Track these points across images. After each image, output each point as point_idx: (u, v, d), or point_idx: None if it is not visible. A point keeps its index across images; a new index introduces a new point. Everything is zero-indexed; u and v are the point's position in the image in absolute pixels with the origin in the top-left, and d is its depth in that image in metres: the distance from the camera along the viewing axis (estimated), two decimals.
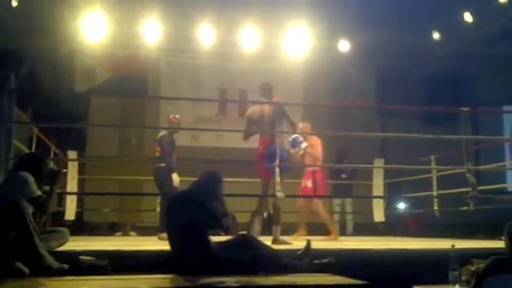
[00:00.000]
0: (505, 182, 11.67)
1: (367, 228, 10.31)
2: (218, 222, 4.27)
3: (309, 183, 7.54)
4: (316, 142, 7.55)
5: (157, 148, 7.82)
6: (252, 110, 6.66)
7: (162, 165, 7.62)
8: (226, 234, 4.39)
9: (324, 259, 4.43)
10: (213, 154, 10.98)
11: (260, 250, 4.30)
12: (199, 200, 4.28)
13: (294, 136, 6.79)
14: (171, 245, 4.27)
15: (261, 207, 6.64)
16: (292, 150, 6.86)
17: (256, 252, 4.24)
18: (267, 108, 6.49)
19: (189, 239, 4.14)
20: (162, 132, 7.91)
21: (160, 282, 3.76)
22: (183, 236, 4.16)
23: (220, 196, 4.46)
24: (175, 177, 7.64)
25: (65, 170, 8.03)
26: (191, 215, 4.19)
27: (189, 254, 4.08)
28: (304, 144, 6.91)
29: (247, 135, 6.71)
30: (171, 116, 8.11)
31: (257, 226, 6.50)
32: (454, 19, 10.63)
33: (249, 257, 4.14)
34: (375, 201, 9.74)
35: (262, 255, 4.22)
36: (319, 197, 7.72)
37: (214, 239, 4.36)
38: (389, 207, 10.88)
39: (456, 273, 4.11)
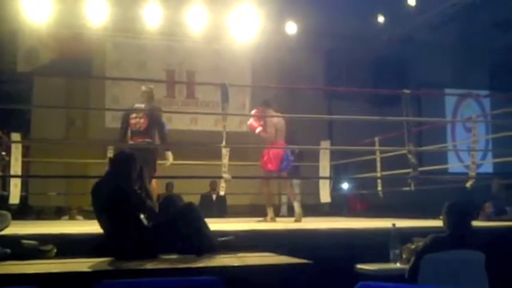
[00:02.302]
0: (446, 163, 12.00)
1: (314, 209, 10.47)
2: (142, 204, 4.24)
3: None
4: None
5: (142, 120, 6.63)
6: (276, 120, 7.55)
7: (148, 140, 6.62)
8: (149, 217, 4.30)
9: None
10: None
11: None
12: (120, 183, 4.20)
13: None
14: (103, 229, 4.22)
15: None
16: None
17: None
18: (282, 119, 7.63)
19: (119, 222, 4.11)
20: (150, 102, 6.83)
21: (102, 265, 3.74)
22: (113, 220, 4.13)
23: (142, 178, 4.41)
24: (170, 155, 6.86)
25: (4, 153, 7.79)
26: (115, 199, 4.12)
27: (122, 237, 4.07)
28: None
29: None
30: (146, 87, 7.00)
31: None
32: (397, 3, 10.80)
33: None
34: (321, 182, 9.87)
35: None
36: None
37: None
38: (335, 188, 11.06)
39: (397, 251, 4.22)
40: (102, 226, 4.21)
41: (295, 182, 10.42)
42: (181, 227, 4.18)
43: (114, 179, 4.26)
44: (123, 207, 4.09)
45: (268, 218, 7.42)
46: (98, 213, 4.22)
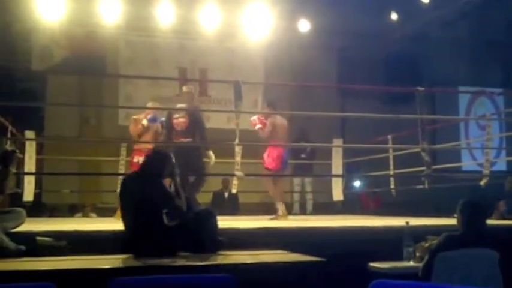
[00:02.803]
0: (460, 161, 11.92)
1: (326, 207, 10.45)
2: (170, 202, 4.25)
3: None
4: None
5: (182, 120, 6.94)
6: (277, 121, 7.54)
7: (188, 140, 6.91)
8: (175, 216, 4.29)
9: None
10: None
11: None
12: (150, 180, 4.23)
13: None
14: (126, 225, 4.24)
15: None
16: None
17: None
18: (285, 121, 7.68)
19: (143, 219, 4.12)
20: (191, 102, 7.18)
21: (116, 262, 3.76)
22: (136, 217, 4.15)
23: (173, 176, 4.43)
24: (212, 154, 7.24)
25: (18, 151, 7.83)
26: (143, 195, 4.15)
27: (143, 234, 4.08)
28: None
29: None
30: (187, 87, 7.37)
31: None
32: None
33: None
34: (333, 180, 9.85)
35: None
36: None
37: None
38: (347, 186, 11.03)
39: (410, 249, 4.22)
40: (125, 222, 4.22)
41: (307, 180, 10.44)
42: (199, 230, 4.21)
43: (143, 176, 4.30)
44: (148, 204, 4.11)
45: (280, 212, 7.42)
46: (124, 209, 4.25)
